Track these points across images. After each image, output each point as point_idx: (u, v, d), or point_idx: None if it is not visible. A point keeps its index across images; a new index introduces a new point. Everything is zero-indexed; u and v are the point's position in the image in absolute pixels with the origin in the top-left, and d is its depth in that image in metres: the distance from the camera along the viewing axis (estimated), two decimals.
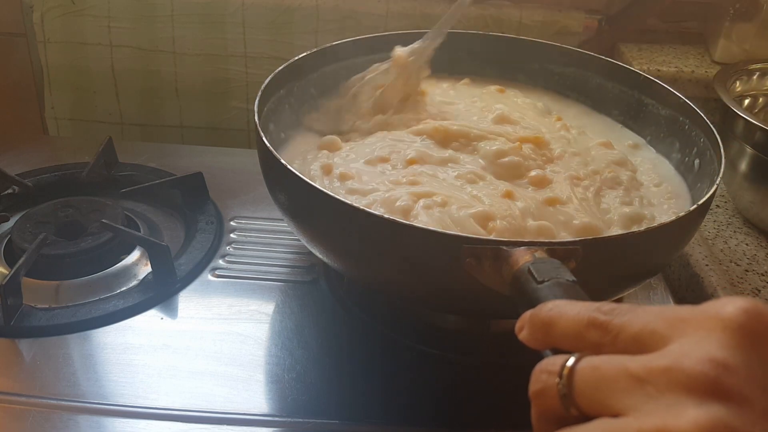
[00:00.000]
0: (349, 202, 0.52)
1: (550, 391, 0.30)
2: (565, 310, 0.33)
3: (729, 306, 0.29)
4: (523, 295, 0.42)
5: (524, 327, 0.35)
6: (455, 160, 0.65)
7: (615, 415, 0.28)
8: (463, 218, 0.56)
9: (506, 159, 0.64)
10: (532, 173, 0.64)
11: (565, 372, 0.30)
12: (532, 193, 0.62)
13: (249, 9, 0.96)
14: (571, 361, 0.30)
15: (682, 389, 0.26)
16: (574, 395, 0.29)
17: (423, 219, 0.56)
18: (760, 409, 0.26)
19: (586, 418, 0.29)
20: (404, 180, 0.61)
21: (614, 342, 0.30)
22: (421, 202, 0.58)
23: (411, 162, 0.64)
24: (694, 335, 0.28)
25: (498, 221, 0.56)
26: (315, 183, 0.54)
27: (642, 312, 0.30)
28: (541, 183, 0.63)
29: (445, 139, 0.67)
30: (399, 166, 0.64)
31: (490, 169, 0.64)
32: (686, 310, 0.30)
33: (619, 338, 0.30)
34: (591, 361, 0.30)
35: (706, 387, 0.26)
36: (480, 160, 0.65)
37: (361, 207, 0.52)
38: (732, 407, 0.26)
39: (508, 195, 0.60)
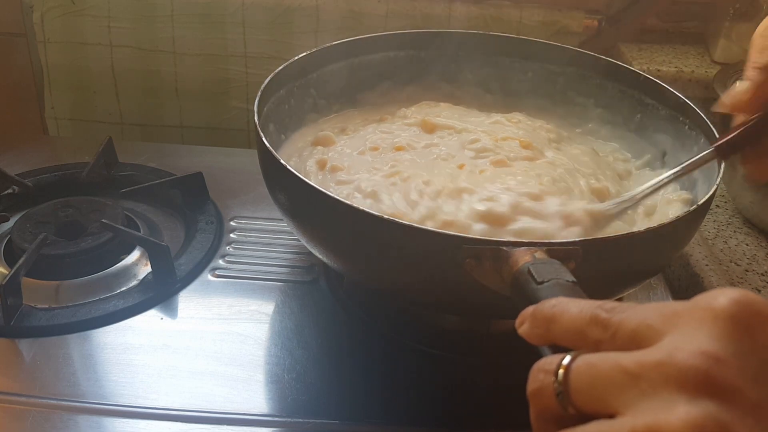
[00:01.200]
0: (348, 202, 0.52)
1: (546, 390, 0.30)
2: (568, 307, 0.33)
3: (720, 297, 0.29)
4: (523, 295, 0.42)
5: (525, 321, 0.35)
6: (437, 144, 0.68)
7: (611, 413, 0.28)
8: (427, 191, 0.58)
9: (478, 144, 0.67)
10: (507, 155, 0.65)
11: (561, 370, 0.30)
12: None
13: (249, 9, 0.96)
14: (567, 359, 0.30)
15: (674, 384, 0.26)
16: (570, 394, 0.29)
17: (385, 198, 0.58)
18: (751, 400, 0.26)
19: (584, 416, 0.29)
20: (387, 166, 0.63)
21: (613, 338, 0.30)
22: (389, 180, 0.60)
23: (399, 149, 0.67)
24: (686, 328, 0.28)
25: (477, 200, 0.57)
26: (310, 180, 0.54)
27: (641, 308, 0.30)
28: (502, 163, 0.64)
29: (432, 129, 0.71)
30: (386, 153, 0.67)
31: (467, 153, 0.67)
32: (681, 305, 0.30)
33: (617, 335, 0.30)
34: (586, 359, 0.30)
35: (698, 381, 0.26)
36: (457, 143, 0.68)
37: (361, 207, 0.52)
38: (724, 402, 0.26)
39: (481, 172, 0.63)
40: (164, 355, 0.60)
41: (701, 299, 0.29)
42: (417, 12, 0.96)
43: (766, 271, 0.73)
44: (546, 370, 0.31)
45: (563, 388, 0.30)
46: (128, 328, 0.62)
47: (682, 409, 0.26)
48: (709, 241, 0.78)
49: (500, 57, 0.81)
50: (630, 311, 0.30)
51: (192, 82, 1.01)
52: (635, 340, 0.29)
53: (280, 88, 0.71)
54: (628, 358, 0.28)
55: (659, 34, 1.04)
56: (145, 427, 0.54)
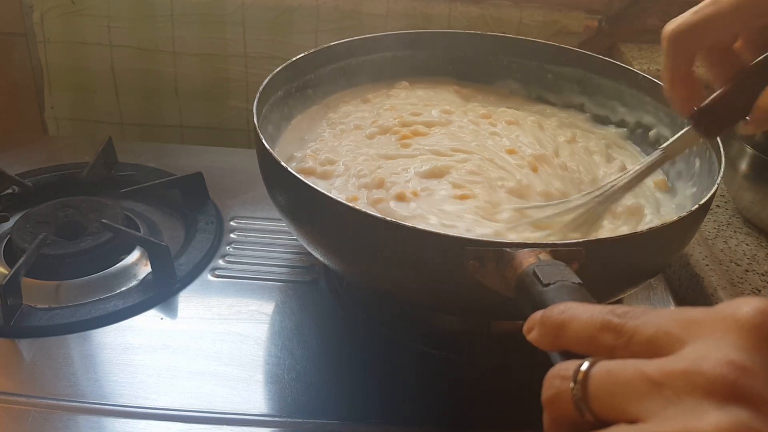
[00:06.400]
0: (349, 204, 0.52)
1: (563, 396, 0.30)
2: (578, 313, 0.32)
3: (744, 307, 0.28)
4: (528, 298, 0.41)
5: (534, 328, 0.34)
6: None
7: (632, 420, 0.27)
8: None
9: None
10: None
11: (580, 377, 0.29)
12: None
13: (249, 9, 0.96)
14: (585, 365, 0.30)
15: (701, 393, 0.26)
16: (589, 401, 0.29)
17: None
18: None
19: (601, 423, 0.28)
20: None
21: (628, 345, 0.30)
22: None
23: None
24: (710, 337, 0.28)
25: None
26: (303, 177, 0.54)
27: (655, 315, 0.30)
28: None
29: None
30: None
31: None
32: (701, 312, 0.29)
33: (633, 341, 0.30)
34: (606, 365, 0.29)
35: (726, 390, 0.26)
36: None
37: (361, 209, 0.52)
38: (752, 410, 0.26)
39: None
40: (164, 355, 0.60)
41: (724, 308, 0.29)
42: (417, 12, 0.96)
43: (766, 271, 0.73)
44: (563, 376, 0.30)
45: (582, 395, 0.29)
46: (128, 328, 0.62)
47: (713, 415, 0.25)
48: (709, 241, 0.78)
49: (499, 57, 0.81)
50: (644, 317, 0.30)
51: (192, 82, 1.01)
52: (652, 348, 0.29)
53: (279, 89, 0.71)
54: (650, 366, 0.28)
55: (659, 34, 1.03)
56: (145, 427, 0.54)
